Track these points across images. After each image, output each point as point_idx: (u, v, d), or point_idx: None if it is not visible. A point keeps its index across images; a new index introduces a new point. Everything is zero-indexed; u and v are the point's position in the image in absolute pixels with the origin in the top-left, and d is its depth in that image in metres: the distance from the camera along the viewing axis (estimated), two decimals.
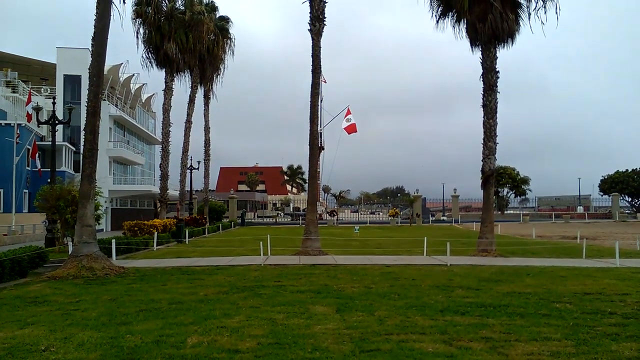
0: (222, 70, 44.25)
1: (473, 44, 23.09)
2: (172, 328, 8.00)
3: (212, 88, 46.45)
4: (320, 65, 22.83)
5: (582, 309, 9.40)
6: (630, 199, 77.59)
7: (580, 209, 77.67)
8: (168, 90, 36.55)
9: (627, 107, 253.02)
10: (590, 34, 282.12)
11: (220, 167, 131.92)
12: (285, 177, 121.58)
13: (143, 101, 62.27)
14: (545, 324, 8.21)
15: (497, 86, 22.38)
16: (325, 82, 44.91)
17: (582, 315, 8.82)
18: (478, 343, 7.04)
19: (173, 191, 44.12)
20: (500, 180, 70.96)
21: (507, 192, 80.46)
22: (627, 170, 76.39)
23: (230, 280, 13.61)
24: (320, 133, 60.58)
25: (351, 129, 55.25)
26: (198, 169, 49.49)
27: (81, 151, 17.35)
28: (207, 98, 47.34)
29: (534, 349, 6.72)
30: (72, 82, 47.67)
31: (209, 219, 47.48)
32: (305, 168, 31.25)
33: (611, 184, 75.65)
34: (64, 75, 47.64)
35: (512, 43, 22.45)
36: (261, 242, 18.64)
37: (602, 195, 79.01)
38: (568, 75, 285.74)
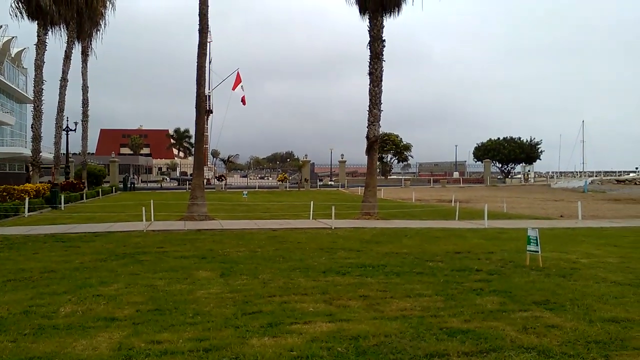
0: (102, 26, 41.15)
1: (362, 11, 23.36)
2: (43, 298, 7.55)
3: (90, 45, 43.40)
4: (207, 25, 22.12)
5: (452, 266, 10.11)
6: (500, 165, 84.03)
7: (456, 174, 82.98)
8: (41, 45, 33.54)
9: (502, 78, 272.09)
10: (470, 5, 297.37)
11: (101, 129, 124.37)
12: (172, 141, 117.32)
13: (12, 56, 56.66)
14: (418, 281, 8.73)
15: (383, 55, 22.95)
16: (211, 41, 43.63)
17: (452, 273, 9.47)
18: (356, 301, 7.34)
19: (47, 154, 41.15)
20: (384, 147, 73.54)
21: (391, 158, 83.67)
22: (498, 138, 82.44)
23: (109, 247, 13.06)
24: (208, 96, 59.41)
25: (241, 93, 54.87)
26: (75, 130, 46.26)
27: None
28: (85, 55, 44.27)
29: (407, 305, 7.12)
30: None
31: (88, 183, 45.02)
32: (193, 132, 30.46)
33: (484, 151, 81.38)
34: None
35: (399, 12, 22.98)
36: (144, 208, 17.98)
37: (476, 162, 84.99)
38: (451, 46, 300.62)
